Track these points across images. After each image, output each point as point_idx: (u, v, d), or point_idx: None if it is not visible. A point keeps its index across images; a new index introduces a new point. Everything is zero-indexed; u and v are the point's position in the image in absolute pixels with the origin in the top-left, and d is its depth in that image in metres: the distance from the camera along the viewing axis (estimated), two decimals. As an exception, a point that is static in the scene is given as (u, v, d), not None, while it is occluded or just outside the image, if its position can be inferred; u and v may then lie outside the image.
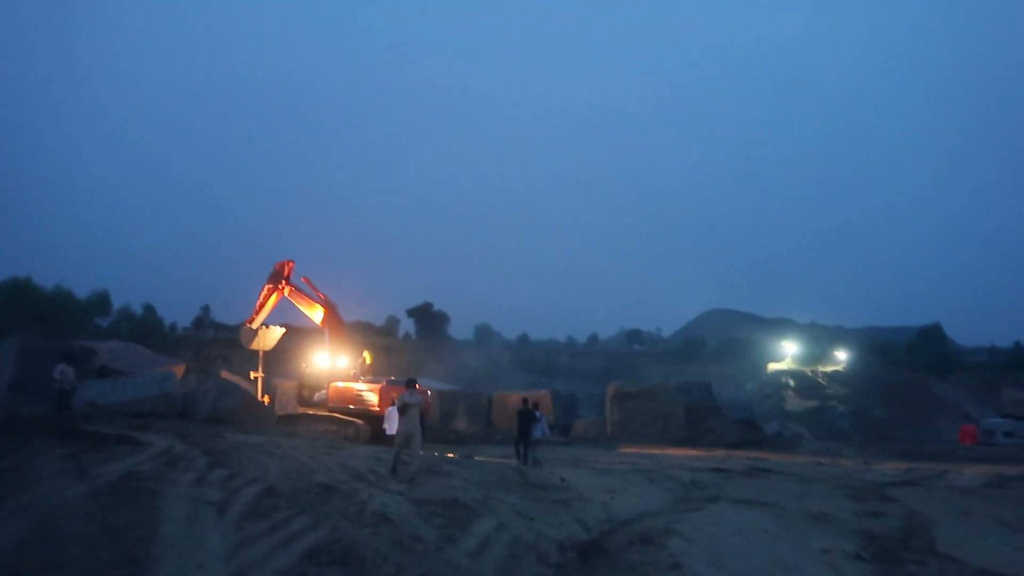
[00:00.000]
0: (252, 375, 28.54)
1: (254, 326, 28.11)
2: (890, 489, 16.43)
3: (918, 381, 78.95)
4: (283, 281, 28.10)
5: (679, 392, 38.48)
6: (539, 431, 20.33)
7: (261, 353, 28.38)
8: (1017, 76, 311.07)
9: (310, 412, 26.01)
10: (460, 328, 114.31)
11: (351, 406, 25.23)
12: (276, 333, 28.68)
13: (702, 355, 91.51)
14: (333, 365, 27.72)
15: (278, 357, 36.05)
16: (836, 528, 11.16)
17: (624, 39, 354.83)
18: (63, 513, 8.56)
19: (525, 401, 21.77)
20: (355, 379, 26.59)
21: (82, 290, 57.82)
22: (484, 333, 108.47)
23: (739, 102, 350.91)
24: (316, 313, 28.31)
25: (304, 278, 28.69)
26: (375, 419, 23.57)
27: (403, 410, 13.82)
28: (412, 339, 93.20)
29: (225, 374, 32.20)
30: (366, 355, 29.25)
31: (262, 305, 28.14)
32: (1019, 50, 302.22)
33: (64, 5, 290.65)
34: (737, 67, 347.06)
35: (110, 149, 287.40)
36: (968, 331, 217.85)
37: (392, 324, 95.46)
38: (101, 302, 59.13)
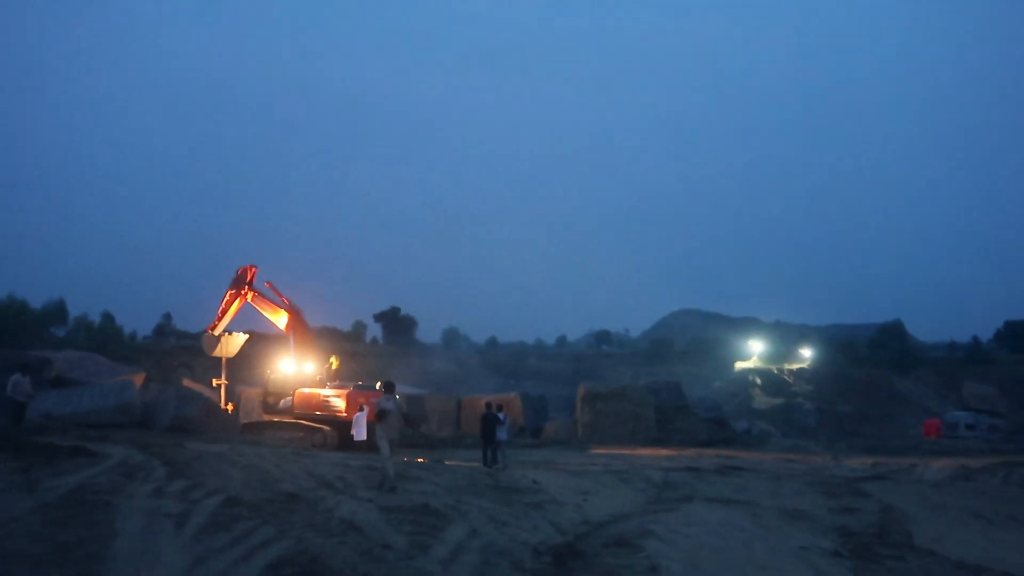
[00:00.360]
0: (215, 383, 27.96)
1: (216, 332, 27.59)
2: (862, 484, 16.48)
3: (881, 377, 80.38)
4: (246, 286, 27.62)
5: (649, 392, 38.68)
6: (503, 433, 20.21)
7: (224, 360, 27.85)
8: (977, 76, 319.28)
9: (275, 419, 25.52)
10: (428, 332, 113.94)
11: (318, 412, 24.79)
12: (239, 339, 28.17)
13: (670, 355, 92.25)
14: (299, 371, 27.25)
15: (242, 364, 35.38)
16: (812, 525, 11.08)
17: (597, 43, 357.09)
18: (10, 531, 8.09)
19: (488, 406, 21.60)
20: (321, 385, 26.15)
21: (37, 299, 56.60)
22: (452, 336, 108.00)
23: (707, 106, 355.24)
24: (280, 318, 27.82)
25: (268, 283, 28.23)
26: (342, 425, 23.16)
27: (381, 416, 12.53)
28: (379, 344, 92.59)
29: (187, 382, 31.55)
30: (333, 360, 28.82)
31: (224, 311, 27.62)
32: (979, 51, 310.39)
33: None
34: (712, 71, 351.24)
35: (64, 154, 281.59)
36: (927, 327, 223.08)
37: (359, 329, 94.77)
38: (57, 311, 57.87)
